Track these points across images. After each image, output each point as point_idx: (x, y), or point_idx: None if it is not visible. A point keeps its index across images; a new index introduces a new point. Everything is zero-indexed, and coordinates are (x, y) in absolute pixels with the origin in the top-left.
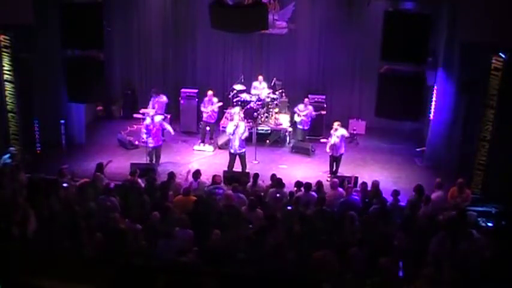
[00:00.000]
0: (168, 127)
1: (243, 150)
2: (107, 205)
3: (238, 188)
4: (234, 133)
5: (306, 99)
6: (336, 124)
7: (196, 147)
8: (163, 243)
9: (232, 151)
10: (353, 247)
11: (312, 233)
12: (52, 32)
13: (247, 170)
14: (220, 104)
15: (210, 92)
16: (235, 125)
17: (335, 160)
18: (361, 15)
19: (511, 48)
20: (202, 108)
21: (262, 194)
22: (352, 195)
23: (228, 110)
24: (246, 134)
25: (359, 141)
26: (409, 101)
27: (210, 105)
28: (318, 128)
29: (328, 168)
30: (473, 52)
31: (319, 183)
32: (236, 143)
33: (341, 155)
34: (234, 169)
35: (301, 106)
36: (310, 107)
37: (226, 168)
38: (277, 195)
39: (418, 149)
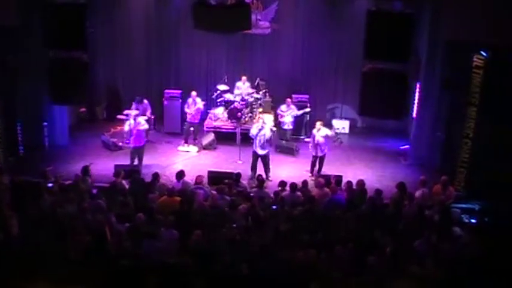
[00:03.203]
0: (143, 125)
1: (266, 151)
2: (93, 207)
3: (224, 189)
4: (257, 135)
5: (289, 99)
6: (318, 124)
7: (180, 147)
8: (148, 244)
9: (255, 153)
10: (339, 246)
11: (298, 233)
12: (35, 33)
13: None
14: (203, 103)
15: (193, 93)
16: (259, 128)
17: (319, 160)
18: (344, 15)
19: (492, 47)
20: (186, 109)
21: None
22: (337, 195)
23: (211, 111)
24: (268, 135)
25: (343, 140)
26: (393, 99)
27: (194, 106)
28: (302, 128)
29: (310, 168)
30: (455, 50)
31: (304, 183)
32: (259, 144)
33: (324, 154)
34: (219, 170)
35: (283, 107)
36: (293, 107)
37: (210, 169)
38: (255, 194)
39: (401, 147)
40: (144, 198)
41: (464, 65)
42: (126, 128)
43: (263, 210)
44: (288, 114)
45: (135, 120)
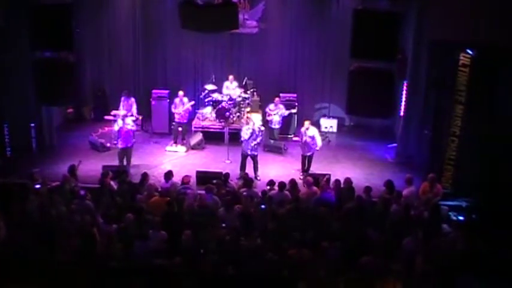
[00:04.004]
0: (131, 125)
1: (256, 152)
2: (82, 208)
3: (213, 189)
4: (249, 138)
5: (277, 99)
6: (306, 123)
7: (168, 148)
8: (138, 245)
9: (244, 152)
10: (326, 243)
11: (286, 231)
12: (22, 34)
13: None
14: (192, 103)
15: (180, 93)
16: (251, 131)
17: (307, 159)
18: (331, 14)
19: (478, 45)
20: (174, 110)
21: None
22: (326, 193)
23: (199, 111)
24: (259, 139)
25: (331, 139)
26: (380, 98)
27: (182, 106)
28: (289, 127)
29: (300, 167)
30: (442, 49)
31: (292, 182)
32: (250, 146)
33: (312, 153)
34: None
35: (271, 106)
36: (281, 106)
37: (199, 169)
38: (245, 193)
39: (389, 146)
40: (132, 199)
41: (450, 63)
42: (116, 128)
43: (252, 210)
44: (276, 113)
45: (124, 120)
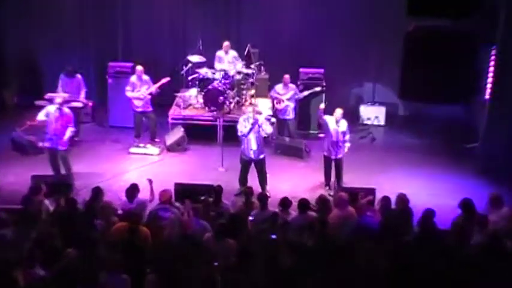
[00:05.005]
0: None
1: (262, 155)
2: None
3: (199, 209)
4: (248, 133)
5: (286, 76)
6: (338, 112)
7: (133, 149)
8: None
9: (245, 157)
10: None
11: (308, 270)
12: None
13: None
14: (166, 80)
15: (139, 68)
16: (252, 122)
17: (334, 164)
18: None
19: None
20: (130, 93)
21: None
22: (367, 217)
23: (180, 94)
24: (269, 130)
25: (375, 136)
26: (452, 74)
27: (142, 86)
28: (311, 117)
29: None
30: None
31: (322, 200)
32: (253, 146)
33: (342, 157)
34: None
35: (279, 86)
36: (293, 86)
37: (178, 180)
38: (252, 218)
39: (466, 146)
40: (78, 225)
41: None
42: (41, 117)
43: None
44: (287, 97)
45: (61, 107)
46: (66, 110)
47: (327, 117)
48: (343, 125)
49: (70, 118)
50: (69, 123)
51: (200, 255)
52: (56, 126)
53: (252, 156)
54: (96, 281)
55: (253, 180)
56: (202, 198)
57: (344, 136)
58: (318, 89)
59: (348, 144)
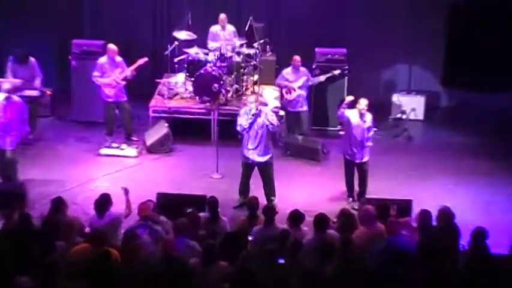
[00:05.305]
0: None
1: (268, 157)
2: None
3: (184, 225)
4: (250, 127)
5: (297, 58)
6: (363, 103)
7: (104, 150)
8: None
9: (246, 159)
10: None
11: None
12: None
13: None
14: (143, 61)
15: (111, 47)
16: (254, 113)
17: (359, 170)
18: None
19: None
20: (99, 79)
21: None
22: (401, 236)
23: (164, 80)
24: (275, 123)
25: (411, 134)
26: (506, 58)
27: (118, 70)
28: (328, 109)
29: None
30: None
31: (345, 214)
32: (256, 144)
33: (367, 160)
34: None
35: (288, 71)
36: (305, 70)
37: (161, 190)
38: (252, 238)
39: None
40: (33, 246)
41: None
42: None
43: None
44: (299, 84)
45: (9, 98)
46: (16, 98)
47: (347, 111)
48: (369, 119)
49: (22, 108)
50: (22, 115)
51: (185, 284)
52: (4, 119)
53: (256, 158)
54: None
55: (257, 190)
56: (189, 211)
57: (368, 133)
58: (337, 72)
59: (369, 144)
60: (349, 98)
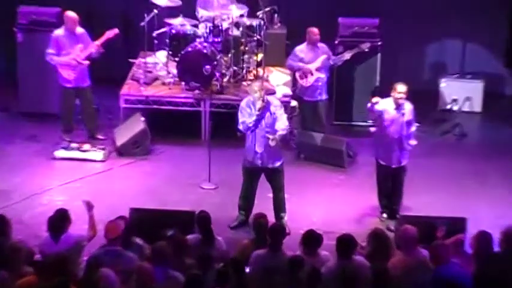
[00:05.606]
0: None
1: (279, 162)
2: None
3: (166, 253)
4: (256, 125)
5: (315, 30)
6: (401, 89)
7: (60, 152)
8: None
9: (249, 164)
10: None
11: None
12: None
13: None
14: (113, 33)
15: (70, 15)
16: (260, 107)
17: (394, 177)
18: None
19: None
20: (54, 58)
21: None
22: (452, 264)
23: (140, 60)
24: (286, 125)
25: (466, 130)
26: None
27: (79, 46)
28: (356, 100)
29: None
30: None
31: (377, 235)
32: (263, 146)
33: (406, 164)
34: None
35: (302, 48)
36: (324, 46)
37: (135, 205)
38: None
39: None
40: None
41: None
42: None
43: None
44: (317, 65)
45: None
46: None
47: (381, 102)
48: (409, 110)
49: None
50: None
51: None
52: None
53: (261, 163)
54: None
55: (259, 204)
56: (170, 234)
57: (409, 128)
58: (366, 47)
59: (413, 142)
60: (375, 100)
